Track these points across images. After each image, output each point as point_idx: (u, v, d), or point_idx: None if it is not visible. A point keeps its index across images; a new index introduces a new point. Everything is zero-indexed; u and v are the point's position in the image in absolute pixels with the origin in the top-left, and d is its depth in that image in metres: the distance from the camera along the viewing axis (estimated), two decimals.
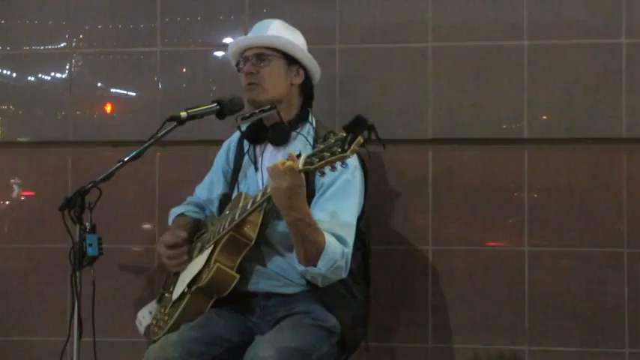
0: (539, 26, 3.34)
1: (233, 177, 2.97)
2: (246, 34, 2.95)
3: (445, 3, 3.39)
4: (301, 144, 2.79)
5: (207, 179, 3.13)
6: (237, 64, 2.88)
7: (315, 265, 2.60)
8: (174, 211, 3.11)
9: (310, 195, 2.68)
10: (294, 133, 2.83)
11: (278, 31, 2.86)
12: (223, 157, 3.06)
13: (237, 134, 3.01)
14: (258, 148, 2.91)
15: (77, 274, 2.47)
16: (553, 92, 3.33)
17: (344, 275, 2.67)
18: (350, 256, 2.67)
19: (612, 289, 3.33)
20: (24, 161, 3.65)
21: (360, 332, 2.83)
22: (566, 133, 3.33)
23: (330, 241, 2.59)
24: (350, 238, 2.67)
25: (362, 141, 2.30)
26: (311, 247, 2.58)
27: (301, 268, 2.63)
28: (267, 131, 2.84)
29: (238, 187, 2.91)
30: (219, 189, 3.03)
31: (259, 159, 2.89)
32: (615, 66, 3.31)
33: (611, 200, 3.33)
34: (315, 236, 2.57)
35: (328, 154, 2.33)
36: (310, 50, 2.91)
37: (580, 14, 3.36)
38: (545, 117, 3.35)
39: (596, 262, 3.33)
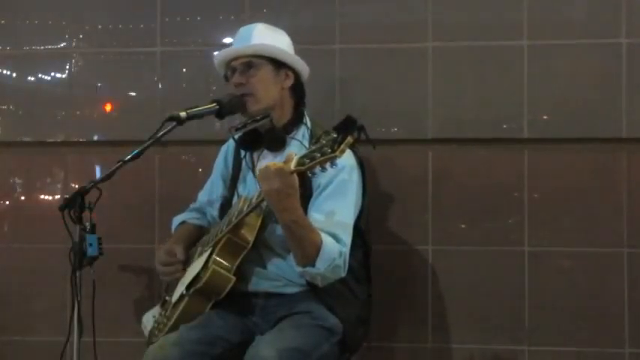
0: (539, 26, 3.33)
1: (232, 182, 2.96)
2: None
3: (445, 3, 3.39)
4: (296, 148, 2.76)
5: (207, 184, 3.13)
6: (225, 74, 2.88)
7: (313, 266, 2.60)
8: (177, 220, 3.11)
9: (308, 196, 2.68)
10: (289, 138, 2.82)
11: (262, 37, 2.83)
12: (222, 161, 3.05)
13: None
14: (255, 154, 2.90)
15: (77, 274, 2.47)
16: (553, 92, 3.32)
17: (343, 274, 2.67)
18: (347, 255, 2.66)
19: (612, 289, 3.33)
20: (24, 161, 3.65)
21: (361, 332, 2.82)
22: (566, 133, 3.33)
23: (327, 240, 2.59)
24: (347, 237, 2.67)
25: (351, 141, 2.30)
26: (308, 248, 2.58)
27: (300, 269, 2.63)
28: (262, 137, 2.83)
29: (237, 192, 2.90)
30: (218, 192, 3.02)
31: (257, 165, 2.87)
32: (615, 66, 3.31)
33: (611, 200, 3.33)
34: (311, 236, 2.57)
35: (319, 155, 2.33)
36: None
37: (580, 14, 3.36)
38: (545, 117, 3.35)
39: (596, 262, 3.33)
